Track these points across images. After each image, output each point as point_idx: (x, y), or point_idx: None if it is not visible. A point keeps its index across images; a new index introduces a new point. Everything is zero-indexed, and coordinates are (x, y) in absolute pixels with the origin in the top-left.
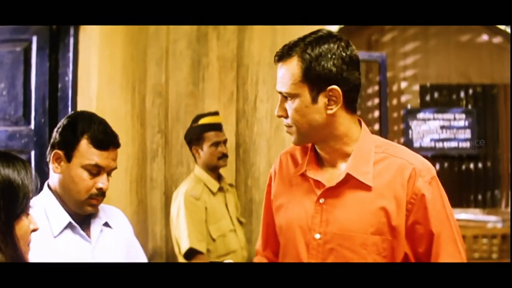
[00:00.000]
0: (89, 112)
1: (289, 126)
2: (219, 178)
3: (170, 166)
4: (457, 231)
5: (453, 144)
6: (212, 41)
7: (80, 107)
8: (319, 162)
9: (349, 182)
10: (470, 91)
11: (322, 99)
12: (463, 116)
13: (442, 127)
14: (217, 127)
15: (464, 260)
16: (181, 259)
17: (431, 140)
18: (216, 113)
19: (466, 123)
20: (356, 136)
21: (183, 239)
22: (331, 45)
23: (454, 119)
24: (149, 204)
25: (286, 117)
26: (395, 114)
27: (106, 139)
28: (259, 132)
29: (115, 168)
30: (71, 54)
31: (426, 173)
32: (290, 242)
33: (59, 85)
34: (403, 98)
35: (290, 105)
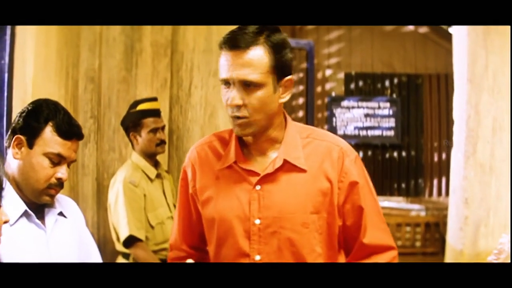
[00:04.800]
0: (53, 100)
1: (244, 117)
2: (156, 164)
3: (102, 152)
4: (379, 204)
5: (377, 132)
6: (146, 27)
7: (15, 91)
8: (244, 152)
9: (284, 167)
10: (395, 80)
11: (279, 89)
12: (387, 104)
13: (366, 115)
14: (156, 113)
15: (386, 227)
16: (119, 246)
17: (355, 128)
18: (154, 99)
19: (390, 112)
20: (283, 123)
21: (122, 226)
22: (284, 35)
23: (378, 107)
24: (81, 191)
25: (242, 106)
26: (319, 102)
27: (71, 129)
28: (193, 118)
29: (75, 160)
30: (7, 37)
31: (350, 153)
32: (227, 232)
33: None
34: (327, 86)
35: (252, 94)
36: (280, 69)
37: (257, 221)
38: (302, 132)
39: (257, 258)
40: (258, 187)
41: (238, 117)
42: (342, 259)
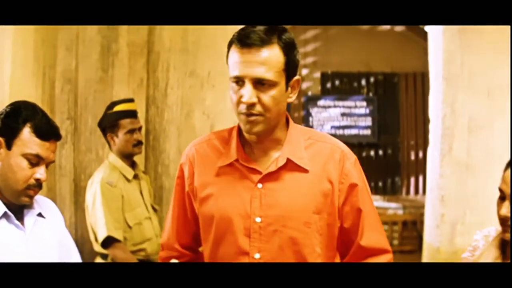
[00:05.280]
0: (31, 102)
1: (258, 114)
2: (133, 165)
3: (79, 153)
4: (375, 207)
5: (354, 131)
6: (123, 27)
7: None
8: (246, 150)
9: (287, 166)
10: (372, 79)
11: (288, 89)
12: (364, 103)
13: (342, 114)
14: (133, 114)
15: (383, 230)
16: (97, 247)
17: (332, 127)
18: (131, 100)
19: (367, 111)
20: (285, 123)
21: (100, 227)
22: (292, 35)
23: (355, 106)
24: (58, 192)
25: (256, 104)
26: (295, 101)
27: (49, 130)
28: (169, 119)
29: (54, 161)
30: None
31: (350, 156)
32: (226, 230)
33: None
34: (304, 85)
35: (267, 92)
36: (291, 68)
37: (258, 219)
38: (304, 133)
39: (257, 256)
40: (260, 185)
41: (251, 114)
42: (338, 260)
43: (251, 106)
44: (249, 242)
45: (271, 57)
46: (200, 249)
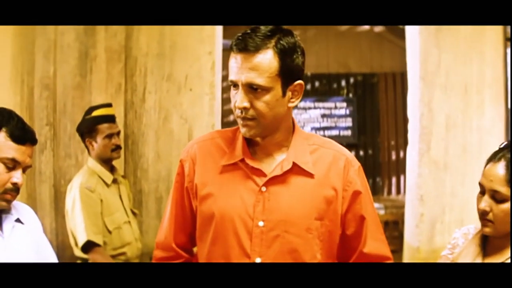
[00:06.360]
0: (7, 108)
1: (251, 119)
2: (112, 169)
3: (58, 158)
4: (377, 215)
5: (334, 132)
6: (100, 32)
7: None
8: (250, 151)
9: (292, 170)
10: (351, 80)
11: (288, 93)
12: (344, 104)
13: (323, 116)
14: (111, 119)
15: (384, 238)
16: (77, 252)
17: (312, 128)
18: (109, 105)
19: (347, 112)
20: (291, 127)
21: (80, 232)
22: (295, 39)
23: (335, 107)
24: (38, 198)
25: (249, 108)
26: None
27: (24, 134)
28: (148, 123)
29: (30, 166)
30: None
31: (355, 163)
32: (226, 230)
33: None
34: None
35: (259, 98)
36: (289, 73)
37: (261, 223)
38: (308, 138)
39: (258, 260)
40: (264, 189)
41: (245, 118)
42: None
43: (244, 111)
44: (250, 245)
45: (263, 62)
46: (194, 249)
